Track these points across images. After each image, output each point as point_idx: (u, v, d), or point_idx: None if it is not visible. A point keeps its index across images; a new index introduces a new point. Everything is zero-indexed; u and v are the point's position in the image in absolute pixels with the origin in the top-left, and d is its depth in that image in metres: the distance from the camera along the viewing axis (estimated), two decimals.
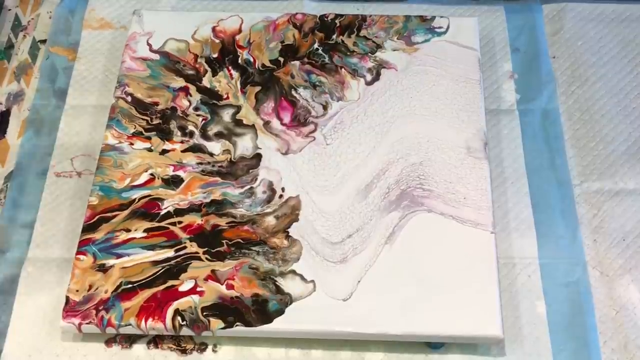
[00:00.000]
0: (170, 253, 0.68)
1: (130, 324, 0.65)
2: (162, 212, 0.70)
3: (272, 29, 0.82)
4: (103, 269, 0.67)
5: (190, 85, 0.79)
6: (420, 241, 0.69)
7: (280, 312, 0.65)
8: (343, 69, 0.79)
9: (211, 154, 0.74)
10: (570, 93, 0.82)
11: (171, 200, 0.71)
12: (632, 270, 0.71)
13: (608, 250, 0.73)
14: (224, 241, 0.69)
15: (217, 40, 0.81)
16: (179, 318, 0.65)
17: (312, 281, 0.67)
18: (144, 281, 0.67)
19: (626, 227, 0.74)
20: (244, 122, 0.76)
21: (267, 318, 0.65)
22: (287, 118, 0.76)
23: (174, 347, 0.67)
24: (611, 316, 0.69)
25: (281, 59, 0.80)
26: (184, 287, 0.66)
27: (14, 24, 0.89)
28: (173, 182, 0.72)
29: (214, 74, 0.79)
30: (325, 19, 0.83)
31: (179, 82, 0.79)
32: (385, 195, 0.71)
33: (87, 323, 0.65)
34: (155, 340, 0.68)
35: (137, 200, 0.71)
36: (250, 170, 0.73)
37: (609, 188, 0.76)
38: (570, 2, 0.87)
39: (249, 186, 0.72)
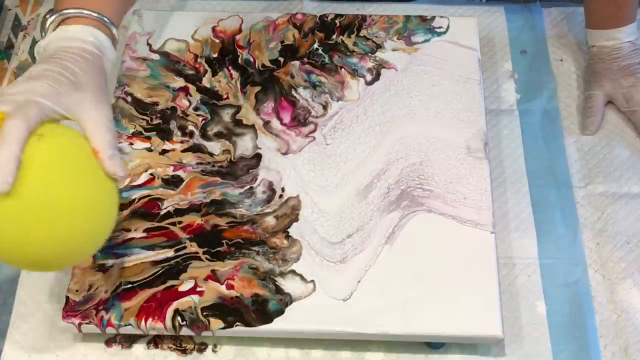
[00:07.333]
0: (170, 253, 0.68)
1: (130, 324, 0.65)
2: (162, 212, 0.70)
3: (272, 29, 0.82)
4: (103, 269, 0.67)
5: (190, 85, 0.78)
6: (420, 241, 0.68)
7: (280, 312, 0.65)
8: (343, 69, 0.79)
9: (211, 154, 0.74)
10: (576, 96, 0.82)
11: (171, 200, 0.71)
12: (634, 274, 0.71)
13: (611, 254, 0.72)
14: (223, 241, 0.69)
15: (217, 40, 0.81)
16: (178, 318, 0.65)
17: (312, 281, 0.67)
18: (143, 281, 0.67)
19: (629, 231, 0.74)
20: (244, 122, 0.76)
21: (267, 318, 0.65)
22: (287, 118, 0.76)
23: (174, 347, 0.67)
24: (612, 320, 0.69)
25: (281, 59, 0.80)
26: (184, 287, 0.66)
27: (14, 24, 0.89)
28: (173, 182, 0.72)
29: (214, 74, 0.79)
30: (325, 19, 0.83)
31: (179, 82, 0.78)
32: (385, 195, 0.71)
33: (87, 323, 0.65)
34: (155, 340, 0.67)
35: (137, 200, 0.71)
36: (250, 170, 0.73)
37: (613, 191, 0.76)
38: (577, 7, 0.87)
39: (248, 186, 0.72)
